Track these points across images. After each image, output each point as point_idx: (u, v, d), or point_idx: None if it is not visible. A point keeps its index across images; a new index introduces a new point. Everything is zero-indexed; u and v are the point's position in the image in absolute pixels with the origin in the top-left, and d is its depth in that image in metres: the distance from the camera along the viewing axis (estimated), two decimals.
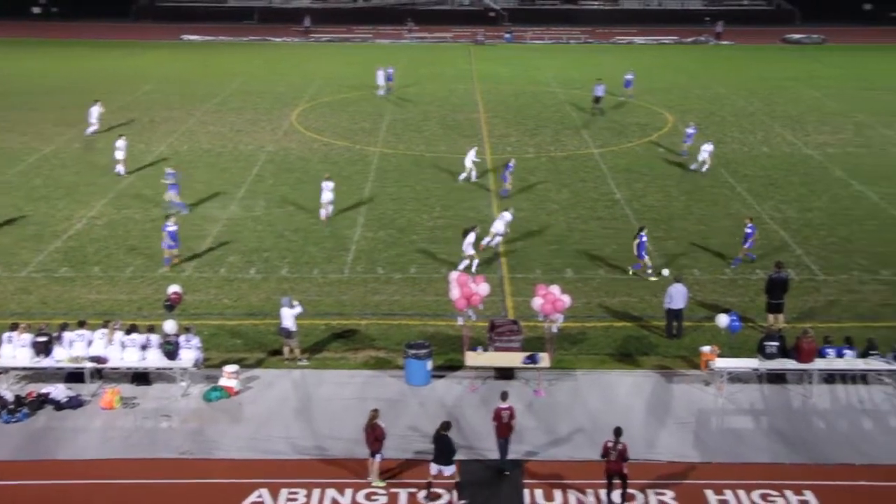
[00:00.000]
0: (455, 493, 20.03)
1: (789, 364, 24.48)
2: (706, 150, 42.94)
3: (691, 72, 71.14)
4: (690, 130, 46.17)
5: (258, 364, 25.69)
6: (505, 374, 24.97)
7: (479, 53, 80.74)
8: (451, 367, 25.47)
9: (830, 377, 24.86)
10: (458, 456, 20.23)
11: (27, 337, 24.45)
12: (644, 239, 31.24)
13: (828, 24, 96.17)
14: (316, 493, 20.21)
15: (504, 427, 20.88)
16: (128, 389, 24.25)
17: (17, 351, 24.36)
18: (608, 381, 24.98)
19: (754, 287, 30.25)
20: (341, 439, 22.04)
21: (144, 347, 24.58)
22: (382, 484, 20.46)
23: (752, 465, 21.31)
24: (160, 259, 32.09)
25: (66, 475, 20.75)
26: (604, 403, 23.85)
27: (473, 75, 69.38)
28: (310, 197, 39.25)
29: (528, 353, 24.83)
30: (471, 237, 31.44)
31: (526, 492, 20.28)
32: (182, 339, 24.60)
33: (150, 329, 25.15)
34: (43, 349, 24.38)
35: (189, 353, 24.45)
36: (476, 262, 31.50)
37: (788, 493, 20.24)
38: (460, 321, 25.76)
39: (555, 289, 25.09)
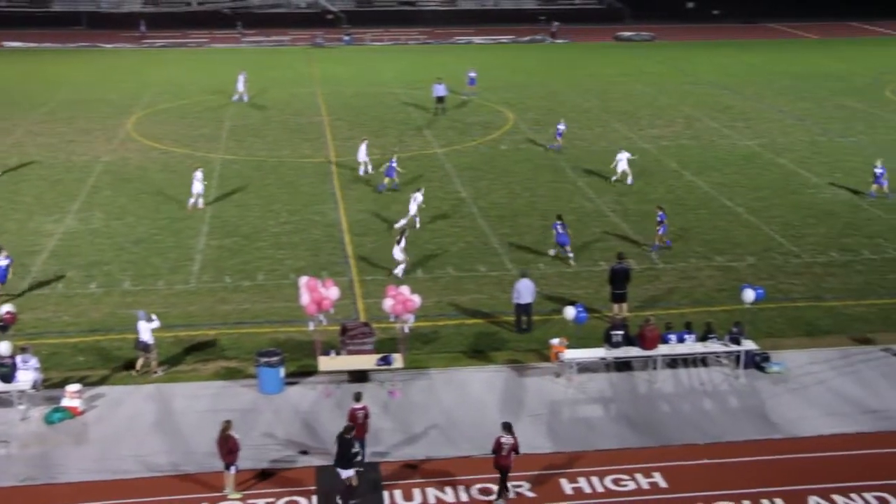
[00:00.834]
0: (339, 498, 19.83)
1: (634, 351, 25.31)
2: (622, 159, 42.01)
3: (529, 70, 72.57)
4: (561, 127, 47.58)
5: (103, 381, 24.83)
6: (359, 376, 24.90)
7: (318, 56, 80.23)
8: (304, 372, 25.25)
9: (673, 362, 25.85)
10: (313, 461, 20.03)
11: None
12: (559, 229, 32.50)
13: (656, 22, 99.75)
14: None
15: (359, 427, 20.83)
16: None
17: None
18: (462, 378, 25.24)
19: (598, 278, 31.10)
20: (195, 453, 21.55)
21: None
22: (238, 496, 20.09)
23: (603, 451, 21.92)
24: None
25: None
26: (458, 400, 24.08)
27: (314, 78, 68.90)
28: (151, 207, 38.27)
29: (381, 355, 24.86)
30: (402, 243, 31.45)
31: (385, 493, 20.28)
32: (18, 359, 23.55)
33: None
34: None
35: (27, 375, 23.42)
36: (403, 266, 31.42)
37: (639, 476, 20.91)
38: (311, 326, 25.55)
39: (405, 289, 25.18)
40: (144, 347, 25.11)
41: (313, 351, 25.50)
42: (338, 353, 25.26)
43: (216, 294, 30.43)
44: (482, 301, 30.00)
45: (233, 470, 20.08)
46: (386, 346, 25.67)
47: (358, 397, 21.28)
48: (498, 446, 19.85)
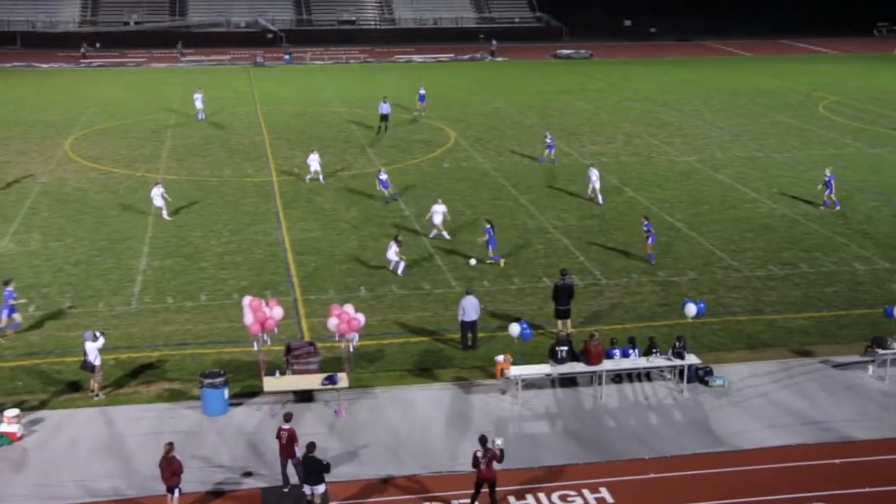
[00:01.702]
0: None
1: (579, 367, 25.44)
2: (593, 177, 42.24)
3: (469, 88, 72.96)
4: (549, 139, 49.16)
5: (43, 405, 24.33)
6: (304, 396, 24.74)
7: (259, 75, 79.88)
8: (249, 393, 25.00)
9: (618, 377, 26.04)
10: (259, 483, 19.81)
11: None
12: (491, 233, 34.25)
13: (594, 40, 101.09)
14: None
15: (283, 448, 20.80)
16: None
17: None
18: (408, 396, 25.17)
19: (542, 295, 31.28)
20: (138, 477, 21.21)
21: None
22: None
23: (549, 467, 21.97)
24: None
25: None
26: (404, 419, 24.01)
27: (255, 97, 68.56)
28: (90, 228, 37.74)
29: (326, 374, 24.70)
30: (394, 247, 32.88)
31: None
32: None
33: None
34: None
35: None
36: (403, 264, 32.96)
37: (585, 491, 20.99)
38: (256, 346, 25.33)
39: (349, 308, 25.06)
40: (92, 368, 24.66)
41: (258, 371, 25.28)
42: (283, 373, 25.06)
43: (158, 315, 30.04)
44: (427, 319, 29.99)
45: (177, 493, 19.79)
46: (331, 366, 25.52)
47: (287, 418, 21.21)
48: (475, 461, 19.90)
